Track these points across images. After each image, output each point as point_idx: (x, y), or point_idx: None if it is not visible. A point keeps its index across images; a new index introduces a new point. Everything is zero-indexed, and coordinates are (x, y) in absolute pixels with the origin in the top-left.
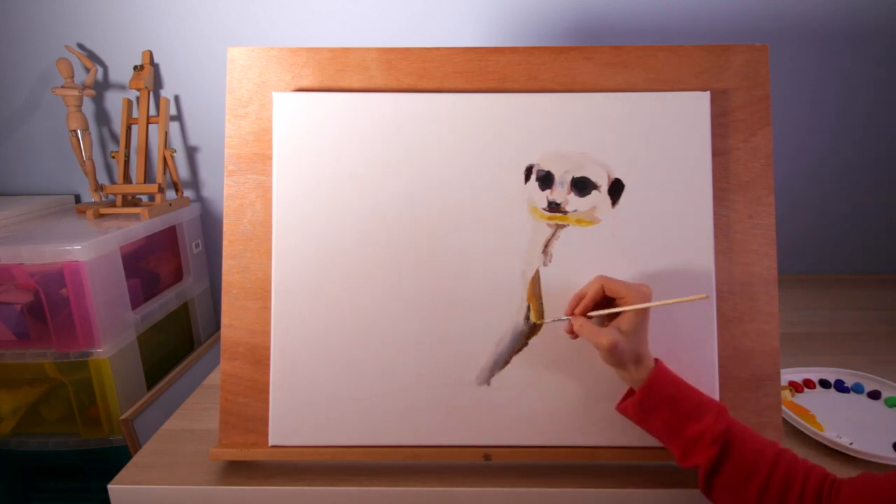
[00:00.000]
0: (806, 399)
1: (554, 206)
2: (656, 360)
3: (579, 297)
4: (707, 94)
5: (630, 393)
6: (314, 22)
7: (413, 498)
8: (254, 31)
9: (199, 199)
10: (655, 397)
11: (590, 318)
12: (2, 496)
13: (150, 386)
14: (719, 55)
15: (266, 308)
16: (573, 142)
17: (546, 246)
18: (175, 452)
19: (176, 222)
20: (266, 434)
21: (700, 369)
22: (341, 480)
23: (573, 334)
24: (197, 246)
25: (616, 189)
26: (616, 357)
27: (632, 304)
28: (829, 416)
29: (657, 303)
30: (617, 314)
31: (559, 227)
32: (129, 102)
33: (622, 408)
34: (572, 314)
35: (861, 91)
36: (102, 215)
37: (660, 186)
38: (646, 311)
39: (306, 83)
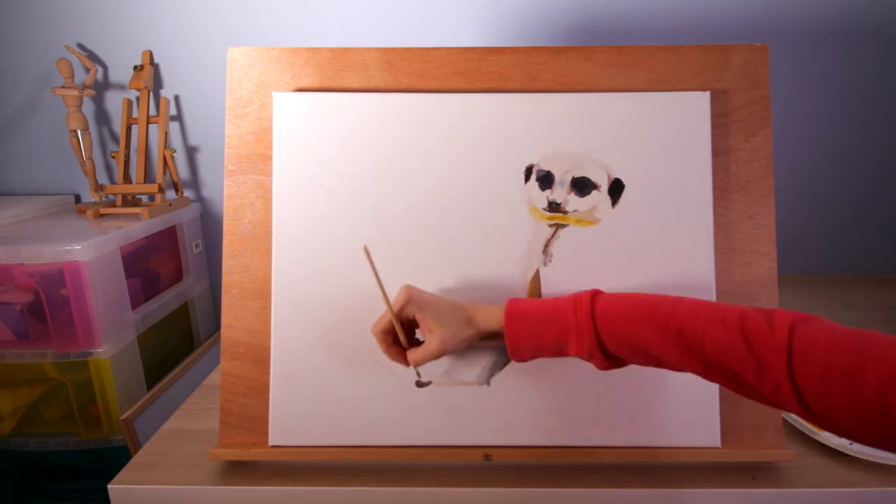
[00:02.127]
0: None
1: (554, 206)
2: (505, 307)
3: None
4: (707, 94)
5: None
6: (314, 22)
7: (413, 498)
8: (254, 31)
9: (199, 199)
10: (516, 337)
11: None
12: (2, 496)
13: (150, 386)
14: (719, 55)
15: (266, 308)
16: (573, 142)
17: (546, 246)
18: (175, 452)
19: (176, 222)
20: (266, 434)
21: None
22: (341, 480)
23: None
24: (197, 246)
25: (616, 189)
26: (453, 346)
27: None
28: None
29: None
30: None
31: (559, 227)
32: (129, 102)
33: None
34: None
35: (861, 91)
36: (102, 215)
37: (660, 186)
38: (422, 296)
39: (306, 83)
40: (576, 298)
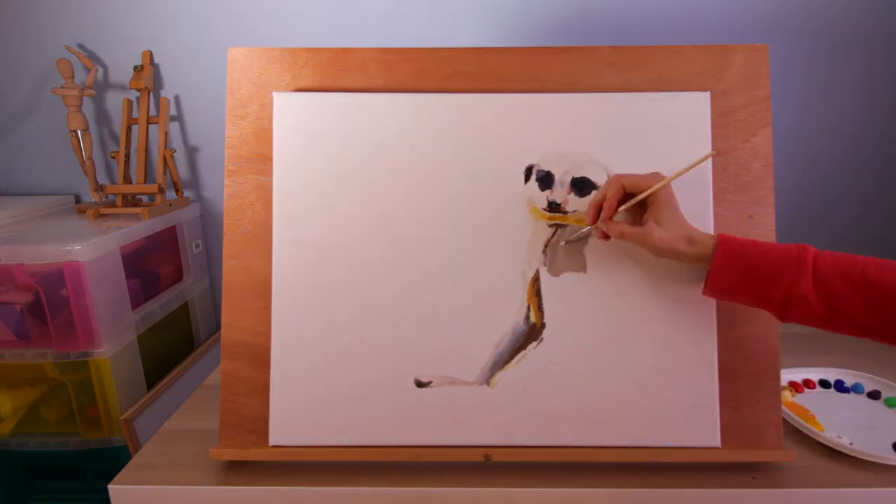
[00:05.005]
0: (806, 399)
1: (554, 206)
2: (718, 240)
3: (598, 203)
4: (707, 94)
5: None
6: (314, 22)
7: (413, 498)
8: (254, 31)
9: (199, 199)
10: (727, 280)
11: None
12: (2, 496)
13: (150, 386)
14: (719, 55)
15: (266, 308)
16: (573, 142)
17: (546, 246)
18: (175, 452)
19: (176, 222)
20: (266, 434)
21: (700, 369)
22: (341, 480)
23: (605, 237)
24: (197, 246)
25: None
26: (666, 247)
27: (654, 194)
28: (829, 416)
29: (673, 176)
30: (643, 208)
31: (559, 227)
32: (130, 102)
33: (705, 293)
34: (595, 223)
35: (862, 91)
36: (102, 215)
37: None
38: (671, 194)
39: (306, 83)
40: (790, 245)
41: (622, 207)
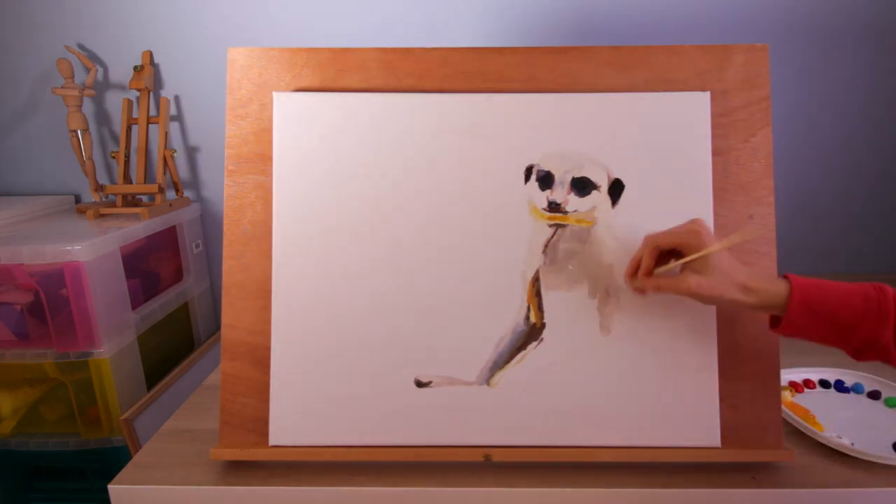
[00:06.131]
0: (806, 399)
1: (554, 207)
2: (792, 288)
3: (636, 262)
4: (707, 94)
5: (775, 319)
6: (314, 22)
7: (413, 498)
8: (254, 32)
9: (199, 199)
10: (802, 328)
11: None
12: (2, 496)
13: (150, 386)
14: (719, 55)
15: (266, 308)
16: (573, 142)
17: (546, 246)
18: (175, 452)
19: (176, 222)
20: (266, 434)
21: (700, 369)
22: (341, 480)
23: (642, 293)
24: (197, 246)
25: (616, 189)
26: (709, 294)
27: (694, 250)
28: (829, 416)
29: (716, 247)
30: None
31: (559, 227)
32: (130, 102)
33: (774, 332)
34: (632, 278)
35: (861, 90)
36: (102, 215)
37: (660, 186)
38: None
39: (306, 83)
40: (867, 285)
41: (661, 269)
